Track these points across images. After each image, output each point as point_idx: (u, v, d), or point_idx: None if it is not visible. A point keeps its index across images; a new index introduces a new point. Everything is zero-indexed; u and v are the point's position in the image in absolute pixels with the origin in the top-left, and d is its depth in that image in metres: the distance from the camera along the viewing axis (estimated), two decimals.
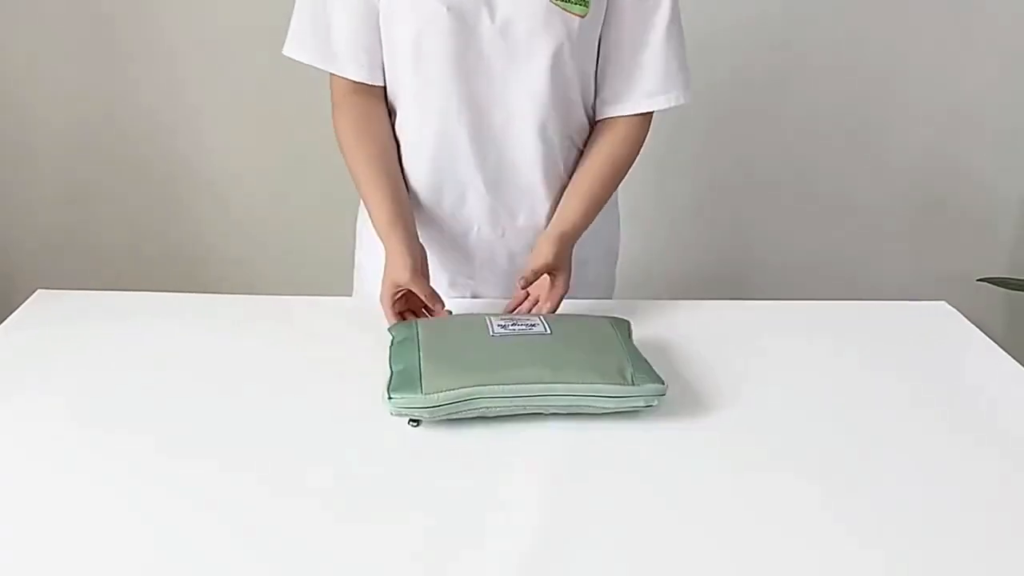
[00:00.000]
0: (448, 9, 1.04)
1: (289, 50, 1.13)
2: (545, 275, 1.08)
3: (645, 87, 1.14)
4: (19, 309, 1.11)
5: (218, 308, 1.15)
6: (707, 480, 0.81)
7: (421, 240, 1.11)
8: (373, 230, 1.19)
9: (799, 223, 2.27)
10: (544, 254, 1.07)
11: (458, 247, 1.20)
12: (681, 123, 2.08)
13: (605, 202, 1.17)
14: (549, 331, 0.93)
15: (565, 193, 1.16)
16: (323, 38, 1.10)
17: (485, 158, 1.14)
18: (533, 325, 0.95)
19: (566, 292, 1.08)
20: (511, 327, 0.94)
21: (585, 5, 1.07)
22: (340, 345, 1.04)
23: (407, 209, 1.11)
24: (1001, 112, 2.15)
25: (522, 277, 1.05)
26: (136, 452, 0.83)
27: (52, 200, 2.18)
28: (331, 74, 1.13)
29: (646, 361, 0.93)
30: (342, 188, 1.13)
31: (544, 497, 0.77)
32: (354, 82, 1.12)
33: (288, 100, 1.97)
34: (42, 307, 1.13)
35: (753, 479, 0.81)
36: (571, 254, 1.11)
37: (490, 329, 0.93)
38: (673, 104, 1.15)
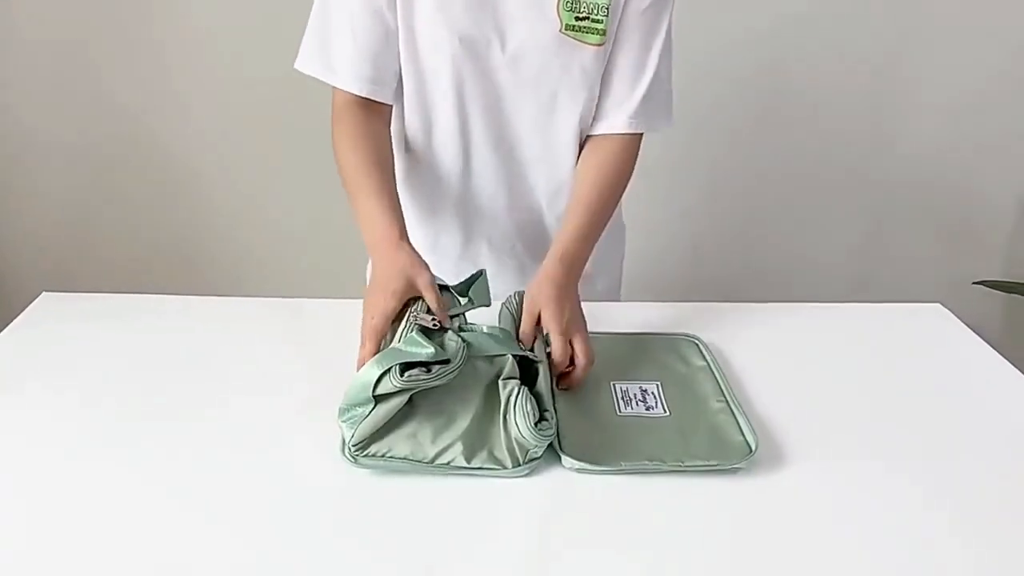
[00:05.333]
0: (460, 40, 1.04)
1: (299, 63, 1.10)
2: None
3: (630, 108, 1.11)
4: (25, 311, 1.12)
5: (226, 310, 1.15)
6: (708, 479, 0.82)
7: (429, 256, 1.12)
8: None
9: (795, 227, 2.28)
10: (527, 309, 0.97)
11: (468, 264, 1.22)
12: (682, 129, 2.10)
13: (601, 226, 1.11)
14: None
15: (561, 222, 1.10)
16: (327, 51, 1.09)
17: (494, 180, 1.15)
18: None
19: (566, 343, 0.94)
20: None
21: (600, 35, 1.06)
22: (351, 348, 1.04)
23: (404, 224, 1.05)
24: (996, 116, 2.17)
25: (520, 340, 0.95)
26: (143, 454, 0.84)
27: (54, 202, 2.19)
28: (333, 88, 1.10)
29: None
30: None
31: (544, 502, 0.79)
32: (356, 96, 1.09)
33: (297, 102, 1.97)
34: (47, 309, 1.13)
35: (746, 476, 0.82)
36: (563, 286, 0.99)
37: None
38: (653, 128, 1.12)
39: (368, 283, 0.97)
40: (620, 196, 1.15)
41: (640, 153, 1.18)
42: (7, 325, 1.09)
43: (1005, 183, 2.25)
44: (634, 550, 0.72)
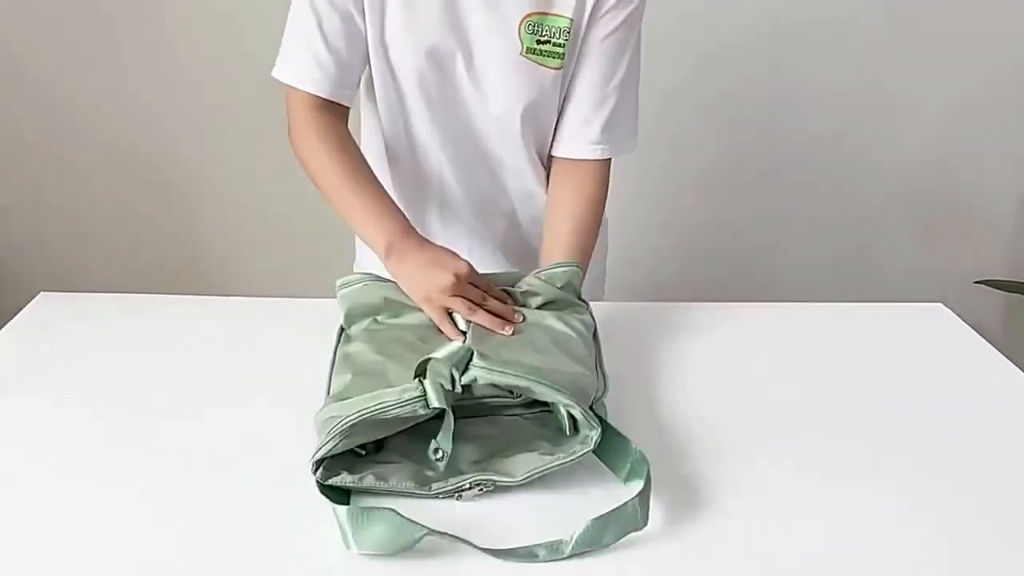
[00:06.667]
0: (425, 52, 1.04)
1: (274, 71, 1.09)
2: None
3: (594, 135, 1.11)
4: (23, 311, 1.12)
5: (226, 310, 1.15)
6: (704, 481, 0.82)
7: None
8: None
9: (795, 225, 2.28)
10: None
11: None
12: (680, 125, 2.11)
13: (586, 261, 1.10)
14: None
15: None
16: (295, 54, 1.07)
17: (467, 187, 1.16)
18: None
19: None
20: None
21: (560, 59, 1.06)
22: None
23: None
24: (998, 114, 2.17)
25: None
26: (141, 454, 0.83)
27: (53, 203, 2.19)
28: (289, 90, 1.08)
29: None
30: None
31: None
32: (315, 98, 1.06)
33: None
34: (45, 309, 1.13)
35: (748, 480, 0.82)
36: None
37: None
38: (617, 153, 1.12)
39: (404, 278, 0.97)
40: (599, 223, 1.14)
41: None
42: (5, 325, 1.09)
43: (1005, 183, 2.25)
44: (632, 552, 0.72)
